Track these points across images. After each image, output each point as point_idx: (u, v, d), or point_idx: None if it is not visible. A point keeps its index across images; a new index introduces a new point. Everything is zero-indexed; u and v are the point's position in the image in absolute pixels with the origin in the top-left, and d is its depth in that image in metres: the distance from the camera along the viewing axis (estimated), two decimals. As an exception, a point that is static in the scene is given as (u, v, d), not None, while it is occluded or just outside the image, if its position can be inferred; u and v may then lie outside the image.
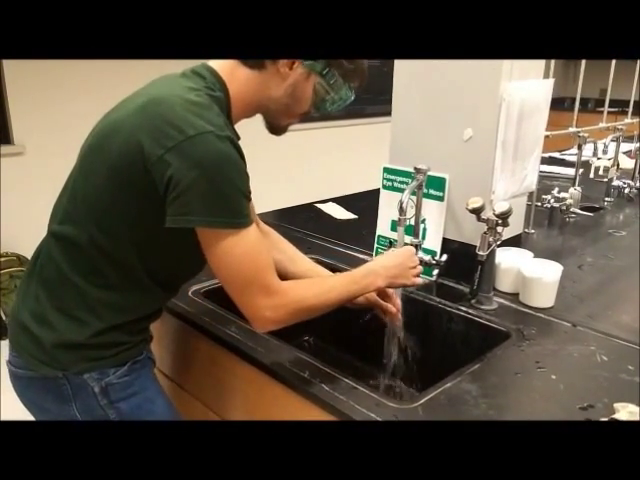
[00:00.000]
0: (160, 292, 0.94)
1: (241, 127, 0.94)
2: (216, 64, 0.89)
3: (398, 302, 1.18)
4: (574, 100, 1.83)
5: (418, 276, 1.06)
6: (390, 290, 1.13)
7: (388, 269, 1.01)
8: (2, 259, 2.87)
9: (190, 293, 1.20)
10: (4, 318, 2.76)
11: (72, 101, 3.05)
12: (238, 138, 0.90)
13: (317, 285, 0.96)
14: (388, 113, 1.40)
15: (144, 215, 0.83)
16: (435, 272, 1.27)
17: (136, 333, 0.94)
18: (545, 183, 2.05)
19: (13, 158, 2.90)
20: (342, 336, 1.38)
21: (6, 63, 2.86)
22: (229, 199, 0.79)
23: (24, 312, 0.90)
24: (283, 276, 1.08)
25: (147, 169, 0.79)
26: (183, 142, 0.77)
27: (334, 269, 1.36)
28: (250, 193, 0.84)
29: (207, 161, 0.77)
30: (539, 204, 1.70)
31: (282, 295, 0.86)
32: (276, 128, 0.97)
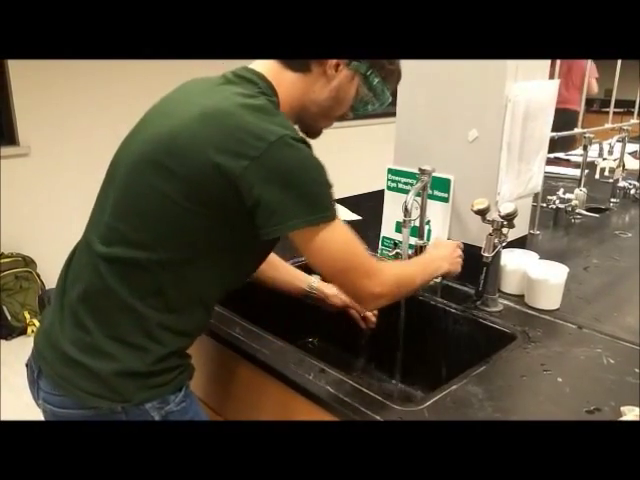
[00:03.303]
0: (213, 311, 0.92)
1: None
2: (261, 67, 0.88)
3: (374, 318, 1.23)
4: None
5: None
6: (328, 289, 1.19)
7: (447, 256, 1.08)
8: (7, 260, 2.88)
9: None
10: (9, 318, 2.77)
11: (77, 103, 3.06)
12: None
13: (405, 265, 1.07)
14: (392, 114, 1.40)
15: (225, 229, 0.81)
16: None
17: (186, 355, 0.90)
18: (550, 184, 2.04)
19: (18, 159, 2.91)
20: (346, 337, 1.37)
21: (11, 64, 2.87)
22: (320, 196, 0.80)
23: (67, 344, 0.82)
24: (260, 282, 1.11)
25: (230, 184, 0.76)
26: (267, 150, 0.76)
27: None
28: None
29: (294, 164, 0.77)
30: (544, 205, 1.70)
31: (383, 271, 0.90)
32: (313, 131, 0.96)
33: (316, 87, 0.89)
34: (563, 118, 1.84)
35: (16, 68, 2.88)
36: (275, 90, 0.87)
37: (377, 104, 0.96)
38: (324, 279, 0.89)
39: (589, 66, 2.12)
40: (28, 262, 2.94)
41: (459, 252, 1.11)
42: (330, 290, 1.19)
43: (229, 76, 0.87)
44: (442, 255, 1.08)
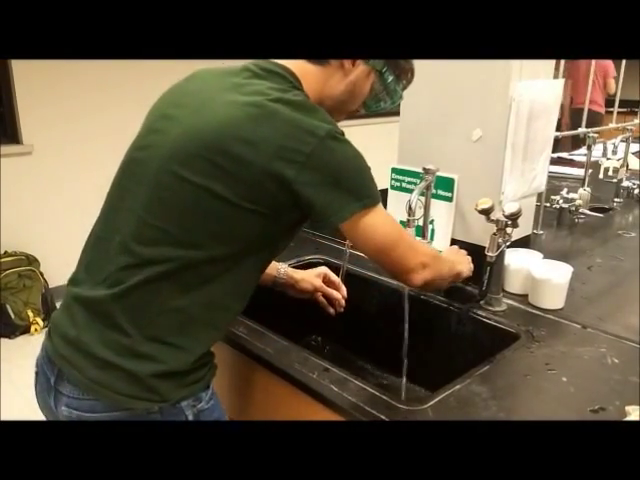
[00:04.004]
0: (242, 305, 0.91)
1: None
2: (284, 61, 0.87)
3: (343, 289, 1.24)
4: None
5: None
6: (335, 278, 1.21)
7: (463, 262, 1.11)
8: (10, 258, 2.89)
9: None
10: (12, 317, 2.78)
11: (80, 101, 3.06)
12: None
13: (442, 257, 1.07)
14: (395, 113, 1.40)
15: (273, 223, 0.82)
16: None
17: (211, 351, 0.89)
18: (554, 184, 2.04)
19: (21, 157, 2.92)
20: (349, 336, 1.37)
21: (15, 63, 2.88)
22: (365, 183, 0.84)
23: (100, 347, 0.80)
24: None
25: (284, 182, 0.77)
26: (319, 144, 0.78)
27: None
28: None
29: (342, 156, 0.80)
30: (548, 205, 1.69)
31: (422, 245, 0.97)
32: None
33: (333, 81, 0.90)
34: (586, 118, 1.85)
35: (20, 67, 2.89)
36: (301, 83, 0.87)
37: (389, 102, 0.97)
38: (371, 259, 0.91)
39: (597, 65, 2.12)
40: (31, 261, 2.95)
41: (468, 257, 1.15)
42: (299, 275, 1.19)
43: (254, 69, 0.86)
44: (461, 260, 1.11)
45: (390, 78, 0.93)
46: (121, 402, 0.79)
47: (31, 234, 3.02)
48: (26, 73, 2.91)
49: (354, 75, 0.90)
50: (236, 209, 0.79)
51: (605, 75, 4.49)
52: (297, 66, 0.87)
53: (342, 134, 0.82)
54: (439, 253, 1.07)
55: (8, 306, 2.79)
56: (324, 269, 1.23)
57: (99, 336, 0.80)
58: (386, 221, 0.88)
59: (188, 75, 0.93)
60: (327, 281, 1.21)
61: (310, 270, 1.23)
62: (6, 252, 2.92)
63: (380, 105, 0.97)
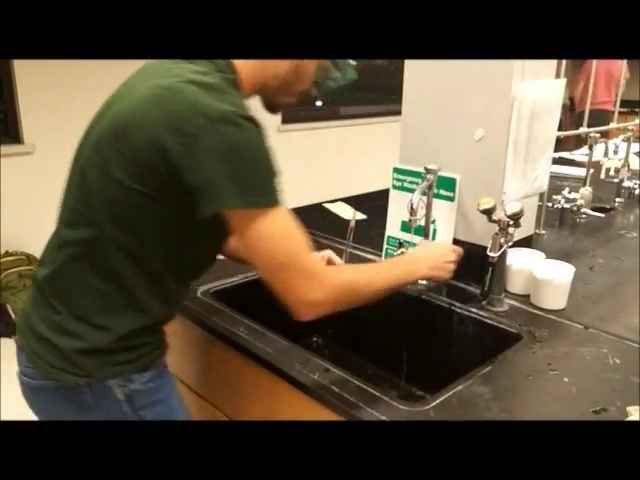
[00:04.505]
0: (179, 289, 0.93)
1: None
2: None
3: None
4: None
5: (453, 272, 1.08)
6: (338, 261, 1.19)
7: (430, 259, 1.03)
8: (11, 258, 2.89)
9: (199, 293, 1.20)
10: (13, 317, 2.78)
11: (82, 101, 3.06)
12: None
13: (362, 268, 0.94)
14: (396, 112, 1.40)
15: (171, 208, 0.81)
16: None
17: (157, 333, 0.92)
18: (555, 183, 2.04)
19: (23, 157, 2.92)
20: (351, 337, 1.37)
21: (17, 63, 2.88)
22: (263, 178, 0.77)
23: (40, 323, 0.87)
24: (239, 261, 1.08)
25: (173, 161, 0.76)
26: (208, 127, 0.74)
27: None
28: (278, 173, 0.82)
29: (236, 142, 0.75)
30: (550, 205, 1.69)
31: (326, 275, 0.82)
32: (273, 106, 0.95)
33: (277, 62, 0.88)
34: (600, 118, 1.85)
35: (21, 67, 2.89)
36: (234, 67, 0.86)
37: (340, 78, 0.94)
38: (260, 276, 0.82)
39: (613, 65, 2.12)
40: (32, 260, 2.95)
41: (451, 257, 1.07)
42: None
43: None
44: (424, 258, 1.03)
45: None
46: (52, 373, 0.86)
47: (32, 234, 3.02)
48: (28, 73, 2.91)
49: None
50: (130, 192, 0.79)
51: (619, 76, 4.50)
52: None
53: (251, 120, 0.77)
54: (360, 275, 0.90)
55: (8, 306, 2.79)
56: (328, 252, 1.21)
57: (39, 313, 0.88)
58: (285, 233, 0.79)
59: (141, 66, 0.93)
60: (330, 264, 1.18)
61: (314, 253, 1.23)
62: (7, 252, 2.92)
63: (330, 85, 0.94)
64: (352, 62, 0.93)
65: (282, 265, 0.80)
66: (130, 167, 0.79)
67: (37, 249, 3.41)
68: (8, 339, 2.72)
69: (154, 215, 0.81)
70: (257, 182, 0.77)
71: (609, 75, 4.07)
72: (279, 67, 0.89)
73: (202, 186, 0.76)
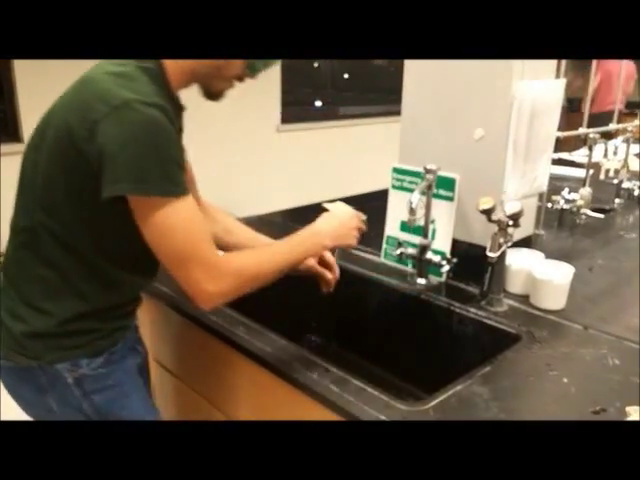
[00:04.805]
0: (122, 276, 0.93)
1: (250, 126, 0.94)
2: None
3: (337, 270, 1.22)
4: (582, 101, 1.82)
5: (360, 236, 1.08)
6: (330, 258, 1.19)
7: (332, 229, 1.02)
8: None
9: (198, 292, 1.19)
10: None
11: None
12: (181, 108, 0.92)
13: (259, 252, 0.95)
14: (396, 113, 1.40)
15: (84, 193, 0.83)
16: (444, 272, 1.26)
17: (109, 320, 0.93)
18: (554, 184, 2.03)
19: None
20: (349, 336, 1.37)
21: (17, 62, 2.88)
22: (160, 166, 0.77)
23: (1, 309, 0.93)
24: (221, 248, 1.06)
25: (79, 146, 0.79)
26: (109, 113, 0.76)
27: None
28: (184, 162, 0.84)
29: (134, 128, 0.76)
30: (549, 205, 1.69)
31: (222, 266, 0.84)
32: (211, 93, 0.96)
33: None
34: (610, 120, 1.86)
35: (21, 66, 2.89)
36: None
37: (264, 63, 0.93)
38: (164, 267, 0.84)
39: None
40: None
41: (355, 222, 1.06)
42: None
43: None
44: (326, 229, 1.01)
45: None
46: (9, 355, 0.91)
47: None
48: (28, 72, 2.91)
49: None
50: (51, 179, 0.84)
51: (629, 77, 4.50)
52: None
53: (154, 107, 0.77)
54: (254, 259, 0.91)
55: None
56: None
57: (1, 298, 0.94)
58: (184, 224, 0.80)
59: None
60: (321, 262, 1.20)
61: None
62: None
63: (257, 66, 0.92)
64: None
65: (180, 255, 0.81)
66: (49, 155, 0.84)
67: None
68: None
69: (72, 201, 0.85)
70: (154, 169, 0.77)
71: (618, 76, 4.07)
72: None
73: (102, 171, 0.78)
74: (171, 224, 0.80)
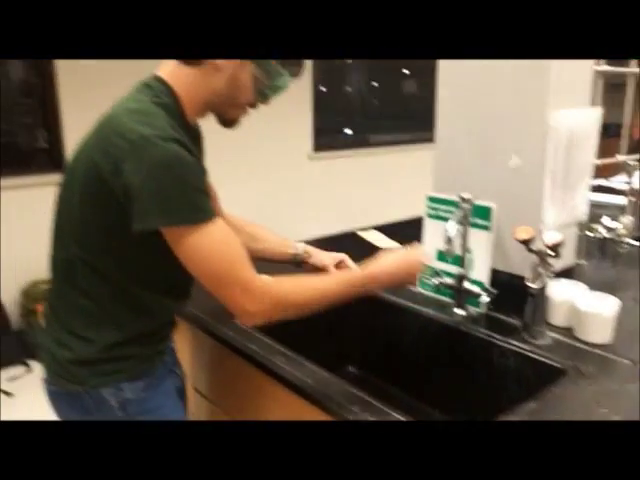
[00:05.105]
0: (156, 304, 0.97)
1: (282, 154, 0.97)
2: (162, 71, 0.92)
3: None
4: (619, 126, 1.79)
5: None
6: (351, 265, 1.25)
7: (392, 275, 1.02)
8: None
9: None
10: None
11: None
12: (199, 137, 0.96)
13: (307, 282, 0.96)
14: (425, 140, 1.40)
15: (115, 226, 0.86)
16: (483, 303, 1.24)
17: (147, 345, 0.97)
18: (592, 211, 1.99)
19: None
20: (387, 367, 1.35)
21: (63, 95, 3.02)
22: (184, 196, 0.81)
23: (47, 337, 0.98)
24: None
25: (106, 182, 0.83)
26: (129, 149, 0.80)
27: (378, 299, 1.35)
28: (208, 188, 0.87)
29: (154, 163, 0.80)
30: (589, 234, 1.65)
31: (260, 288, 0.87)
32: (227, 121, 0.99)
33: (212, 79, 0.91)
34: None
35: (67, 99, 3.02)
36: (174, 90, 0.91)
37: (278, 90, 0.96)
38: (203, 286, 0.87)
39: None
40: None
41: (418, 269, 1.07)
42: (314, 252, 1.27)
43: (139, 85, 0.92)
44: (384, 277, 1.01)
45: (269, 66, 0.92)
46: (57, 380, 0.95)
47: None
48: (73, 104, 3.05)
49: (230, 69, 0.91)
50: (83, 214, 0.88)
51: None
52: (170, 74, 0.91)
53: (172, 141, 0.81)
54: (303, 289, 0.93)
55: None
56: (343, 255, 1.28)
57: (46, 327, 0.98)
58: (217, 246, 0.83)
59: None
60: (342, 266, 1.26)
61: (330, 252, 1.30)
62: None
63: (268, 93, 0.96)
64: (288, 71, 0.95)
65: (218, 278, 0.85)
66: (80, 191, 0.88)
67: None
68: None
69: (104, 233, 0.88)
70: (178, 200, 0.81)
71: None
72: (214, 83, 0.92)
73: (129, 205, 0.82)
74: (205, 249, 0.83)
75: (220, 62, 0.89)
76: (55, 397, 0.98)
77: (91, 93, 3.07)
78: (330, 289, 0.95)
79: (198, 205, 0.82)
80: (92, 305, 0.92)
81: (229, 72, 0.91)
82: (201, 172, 0.86)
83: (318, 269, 1.27)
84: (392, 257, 1.04)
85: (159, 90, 0.90)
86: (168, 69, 0.92)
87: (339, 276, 0.99)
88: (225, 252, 0.85)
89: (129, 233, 0.84)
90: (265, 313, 0.88)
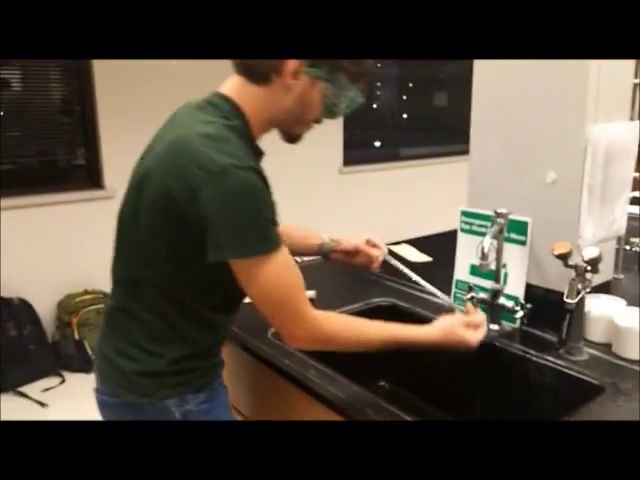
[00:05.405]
0: (218, 319, 0.99)
1: (313, 168, 0.99)
2: (227, 89, 0.91)
3: (384, 247, 1.29)
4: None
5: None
6: (378, 242, 1.28)
7: (438, 345, 1.00)
8: (90, 296, 3.05)
9: (270, 335, 1.22)
10: (89, 352, 2.91)
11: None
12: (261, 154, 0.95)
13: (358, 327, 0.97)
14: (457, 153, 1.40)
15: (186, 252, 0.88)
16: (518, 318, 1.22)
17: (209, 358, 1.00)
18: (631, 224, 1.94)
19: (104, 201, 3.13)
20: (419, 382, 1.35)
21: (101, 114, 3.13)
22: (258, 228, 0.83)
23: (106, 346, 0.99)
24: None
25: (180, 210, 0.83)
26: (208, 180, 0.80)
27: (411, 314, 1.35)
28: (277, 218, 0.88)
29: (232, 194, 0.81)
30: (627, 247, 1.62)
31: (313, 324, 0.91)
32: (291, 137, 0.99)
33: (280, 97, 0.91)
34: None
35: (105, 117, 3.13)
36: (241, 109, 0.90)
37: (350, 105, 0.95)
38: (258, 310, 0.91)
39: None
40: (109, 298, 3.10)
41: (472, 339, 1.00)
42: (342, 238, 1.28)
43: (201, 102, 0.92)
44: (439, 342, 0.99)
45: (340, 83, 0.91)
46: (118, 391, 0.96)
47: (109, 273, 3.20)
48: (111, 121, 3.16)
49: (299, 87, 0.90)
50: (151, 236, 0.88)
51: None
52: (237, 92, 0.90)
53: (249, 170, 0.82)
54: (356, 330, 0.96)
55: (86, 342, 2.93)
56: (369, 236, 1.29)
57: (106, 338, 1.00)
58: (279, 275, 0.86)
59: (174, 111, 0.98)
60: (370, 244, 1.28)
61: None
62: (86, 290, 3.10)
63: (338, 110, 0.95)
64: (357, 87, 0.94)
65: (276, 307, 0.89)
66: (150, 215, 0.88)
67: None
68: (85, 374, 2.85)
69: (174, 258, 0.89)
70: (253, 233, 0.82)
71: None
72: (284, 102, 0.91)
73: (205, 236, 0.83)
74: (268, 278, 0.85)
75: (290, 81, 0.88)
76: (112, 408, 0.98)
77: (128, 112, 3.18)
78: (375, 340, 0.96)
79: (269, 236, 0.84)
80: (158, 321, 0.93)
81: (298, 90, 0.90)
82: (273, 201, 0.87)
83: (349, 254, 1.28)
84: (444, 327, 1.01)
85: (226, 110, 0.89)
86: (232, 86, 0.91)
87: (388, 330, 0.97)
88: (286, 283, 0.88)
89: (200, 258, 0.85)
90: (309, 344, 0.94)
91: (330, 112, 0.95)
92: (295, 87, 0.90)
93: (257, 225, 0.82)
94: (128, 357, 0.95)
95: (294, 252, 1.25)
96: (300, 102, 0.92)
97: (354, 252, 1.28)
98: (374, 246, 1.28)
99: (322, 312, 0.93)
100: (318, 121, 0.98)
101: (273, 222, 0.85)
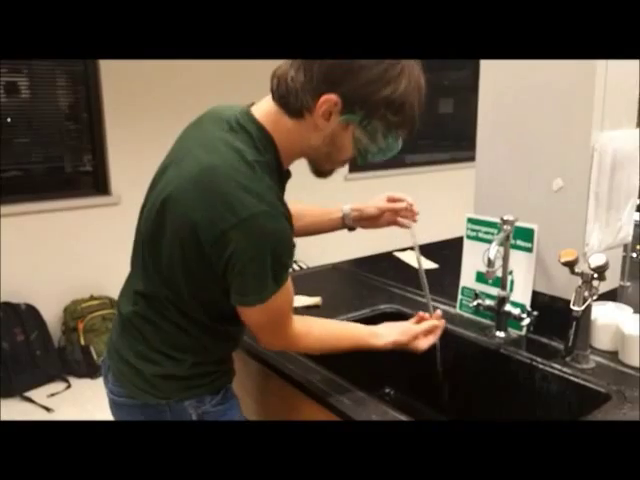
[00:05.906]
0: (231, 330, 1.01)
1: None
2: (260, 114, 0.89)
3: (410, 200, 1.24)
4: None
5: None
6: (397, 194, 1.24)
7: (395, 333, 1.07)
8: (96, 302, 3.07)
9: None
10: (95, 357, 2.92)
11: (164, 153, 3.28)
12: (288, 177, 0.96)
13: (332, 341, 1.03)
14: (465, 159, 1.40)
15: (205, 284, 0.89)
16: (524, 325, 1.22)
17: (226, 362, 1.04)
18: (638, 232, 1.93)
19: (110, 208, 3.14)
20: (424, 389, 1.34)
21: (108, 122, 3.15)
22: (277, 274, 0.86)
23: (125, 349, 0.99)
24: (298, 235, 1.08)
25: (204, 248, 0.83)
26: (238, 225, 0.80)
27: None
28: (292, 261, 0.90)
29: (260, 243, 0.81)
30: (634, 255, 1.61)
31: (292, 342, 0.97)
32: (320, 172, 0.97)
33: (310, 134, 0.88)
34: None
35: (112, 125, 3.16)
36: (274, 141, 0.88)
37: (384, 152, 0.92)
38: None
39: None
40: (114, 304, 3.12)
41: (416, 329, 1.08)
42: (362, 205, 1.25)
43: (232, 123, 0.88)
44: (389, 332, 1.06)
45: (375, 130, 0.87)
46: (136, 393, 0.97)
47: (115, 279, 3.20)
48: (118, 129, 3.18)
49: (329, 129, 0.87)
50: (169, 258, 0.89)
51: None
52: (271, 121, 0.88)
53: (283, 216, 0.84)
54: (330, 343, 1.04)
55: (92, 347, 2.94)
56: (385, 194, 1.25)
57: (124, 341, 1.00)
58: (280, 305, 0.89)
59: (195, 119, 0.98)
60: (391, 200, 1.24)
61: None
62: (92, 296, 3.11)
63: (370, 156, 0.92)
64: (395, 135, 0.91)
65: (267, 325, 0.94)
66: (171, 244, 0.88)
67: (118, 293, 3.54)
68: (91, 380, 2.86)
69: (193, 288, 0.90)
70: (273, 277, 0.85)
71: None
72: (313, 140, 0.89)
73: (231, 279, 0.85)
74: (268, 308, 0.88)
75: (320, 122, 0.85)
76: (128, 411, 0.99)
77: (135, 119, 3.20)
78: (343, 347, 1.04)
79: (282, 279, 0.87)
80: (178, 332, 0.94)
81: (328, 131, 0.87)
82: (294, 244, 0.88)
83: (375, 218, 1.25)
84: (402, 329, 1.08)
85: (258, 139, 0.87)
86: (267, 112, 0.89)
87: (355, 338, 1.05)
88: (282, 312, 0.92)
89: (217, 291, 0.89)
90: (284, 349, 1.07)
91: (362, 157, 0.92)
92: (326, 128, 0.86)
93: (277, 271, 0.85)
94: (149, 360, 0.96)
95: (315, 231, 1.27)
96: (330, 143, 0.89)
97: (379, 215, 1.24)
98: (396, 200, 1.24)
99: (304, 328, 0.98)
100: (348, 161, 0.95)
101: (289, 266, 0.89)
